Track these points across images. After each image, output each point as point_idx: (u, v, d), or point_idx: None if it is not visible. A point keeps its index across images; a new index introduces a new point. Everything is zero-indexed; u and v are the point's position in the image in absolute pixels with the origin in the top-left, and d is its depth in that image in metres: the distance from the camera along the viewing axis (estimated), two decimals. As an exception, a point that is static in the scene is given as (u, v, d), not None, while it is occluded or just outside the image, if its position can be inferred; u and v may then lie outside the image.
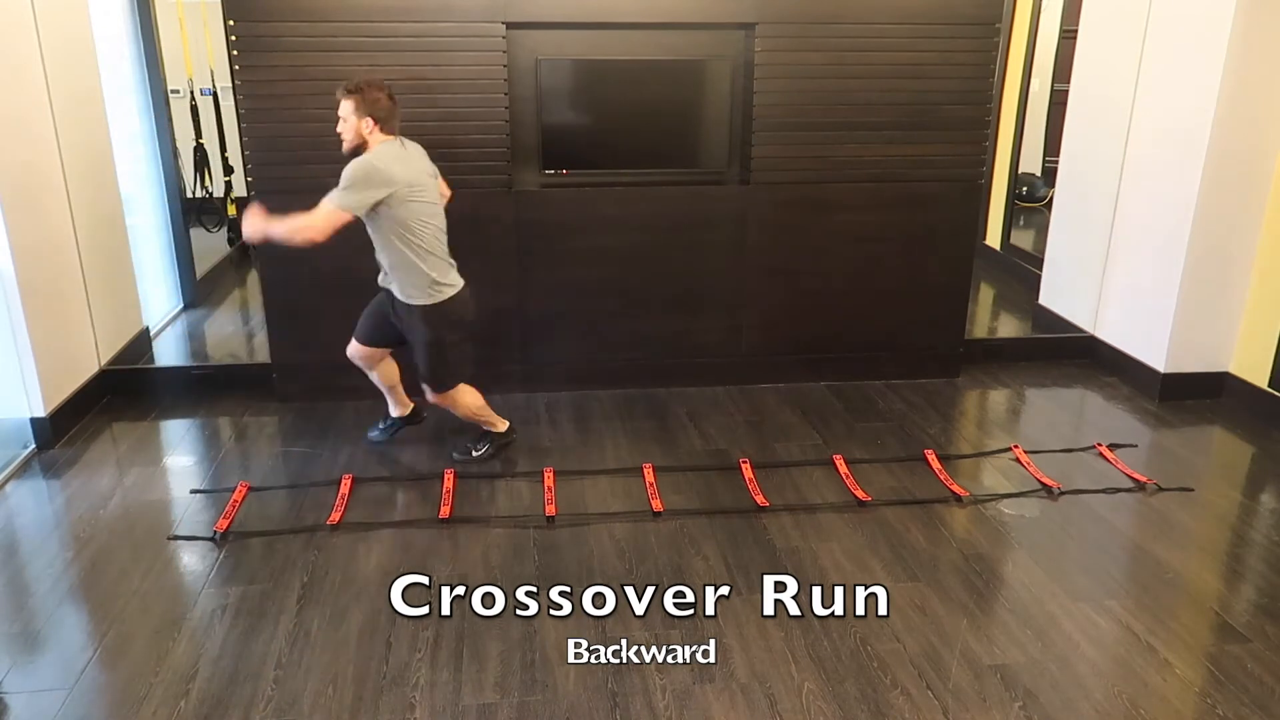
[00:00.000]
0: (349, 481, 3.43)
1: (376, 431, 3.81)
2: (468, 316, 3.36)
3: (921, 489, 3.46)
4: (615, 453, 3.76)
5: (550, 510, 3.26)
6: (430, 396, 3.44)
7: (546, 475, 3.49)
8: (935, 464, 3.61)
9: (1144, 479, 3.50)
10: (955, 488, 3.43)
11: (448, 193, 3.51)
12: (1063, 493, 3.42)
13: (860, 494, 3.38)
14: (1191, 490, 3.45)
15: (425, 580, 2.71)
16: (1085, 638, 2.62)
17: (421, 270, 3.19)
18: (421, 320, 3.27)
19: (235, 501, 3.29)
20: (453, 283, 3.29)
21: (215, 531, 3.11)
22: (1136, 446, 3.82)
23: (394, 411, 3.79)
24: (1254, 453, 3.90)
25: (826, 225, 4.30)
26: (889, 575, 2.91)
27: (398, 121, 3.16)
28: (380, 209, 3.08)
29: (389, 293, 3.36)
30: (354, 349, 3.57)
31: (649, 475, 3.51)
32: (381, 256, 3.26)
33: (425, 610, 2.70)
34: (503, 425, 3.65)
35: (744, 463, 3.59)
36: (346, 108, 3.05)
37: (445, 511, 3.23)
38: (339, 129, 3.12)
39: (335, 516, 3.22)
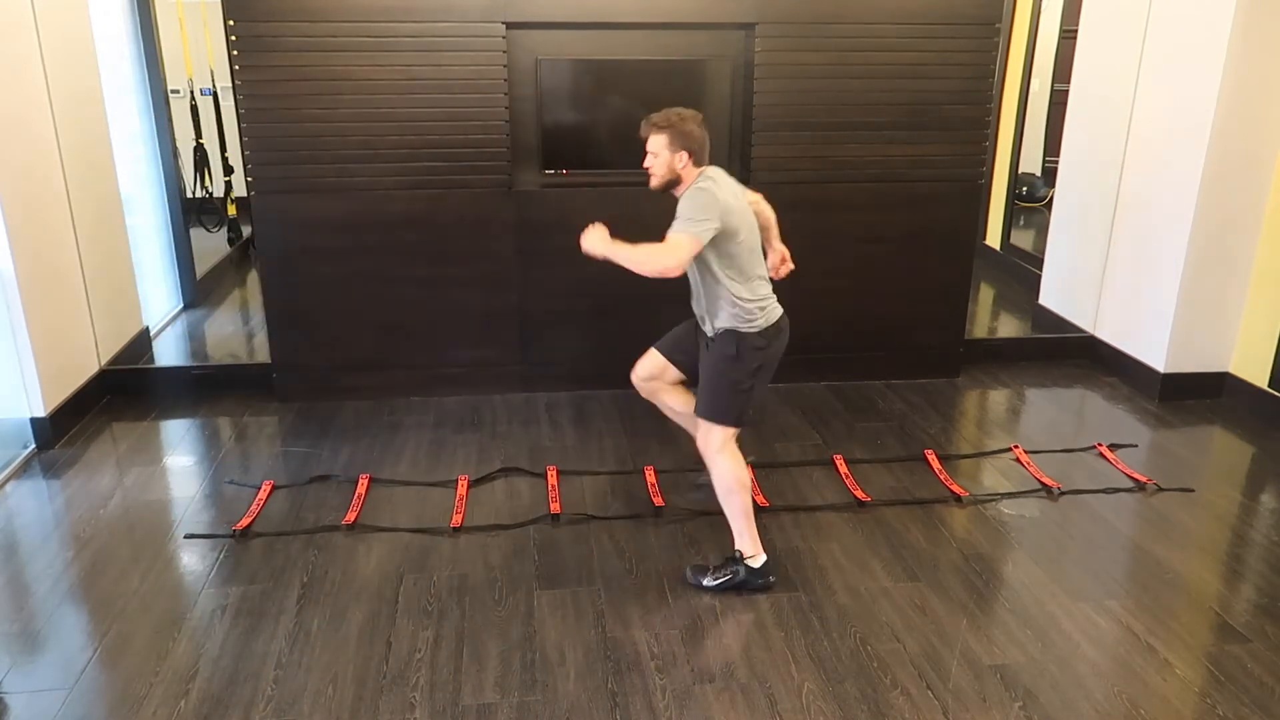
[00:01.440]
0: (366, 481, 3.45)
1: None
2: (775, 350, 2.92)
3: (921, 489, 3.46)
4: (615, 453, 3.76)
5: (555, 508, 3.27)
6: (700, 439, 2.92)
7: (550, 473, 3.50)
8: (935, 464, 3.61)
9: (1144, 479, 3.50)
10: (955, 488, 3.44)
11: (768, 211, 3.17)
12: (1063, 493, 3.42)
13: (860, 494, 3.39)
14: (1192, 490, 3.45)
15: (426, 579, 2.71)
16: (1085, 638, 2.62)
17: (735, 298, 2.85)
18: (724, 345, 2.87)
19: (260, 500, 3.31)
20: (766, 314, 2.91)
21: (233, 530, 3.13)
22: (1136, 446, 3.83)
23: None
24: (1254, 453, 3.90)
25: (826, 225, 4.30)
26: (889, 575, 2.91)
27: (709, 152, 2.89)
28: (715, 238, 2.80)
29: (697, 323, 3.03)
30: (645, 364, 3.15)
31: (650, 475, 3.51)
32: (696, 283, 2.94)
33: (425, 610, 2.71)
34: (759, 557, 2.86)
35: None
36: (658, 143, 2.81)
37: (458, 520, 3.22)
38: (646, 164, 2.87)
39: (351, 516, 3.23)
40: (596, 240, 2.84)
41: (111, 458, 3.73)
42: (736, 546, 2.86)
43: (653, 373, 3.13)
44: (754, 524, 2.87)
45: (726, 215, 2.74)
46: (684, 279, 2.92)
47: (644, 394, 3.19)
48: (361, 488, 3.41)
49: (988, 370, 4.68)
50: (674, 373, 3.12)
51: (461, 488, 3.41)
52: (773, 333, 2.87)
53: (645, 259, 2.75)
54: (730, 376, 2.84)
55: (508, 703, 2.36)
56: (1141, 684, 2.44)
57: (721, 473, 2.82)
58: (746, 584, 2.85)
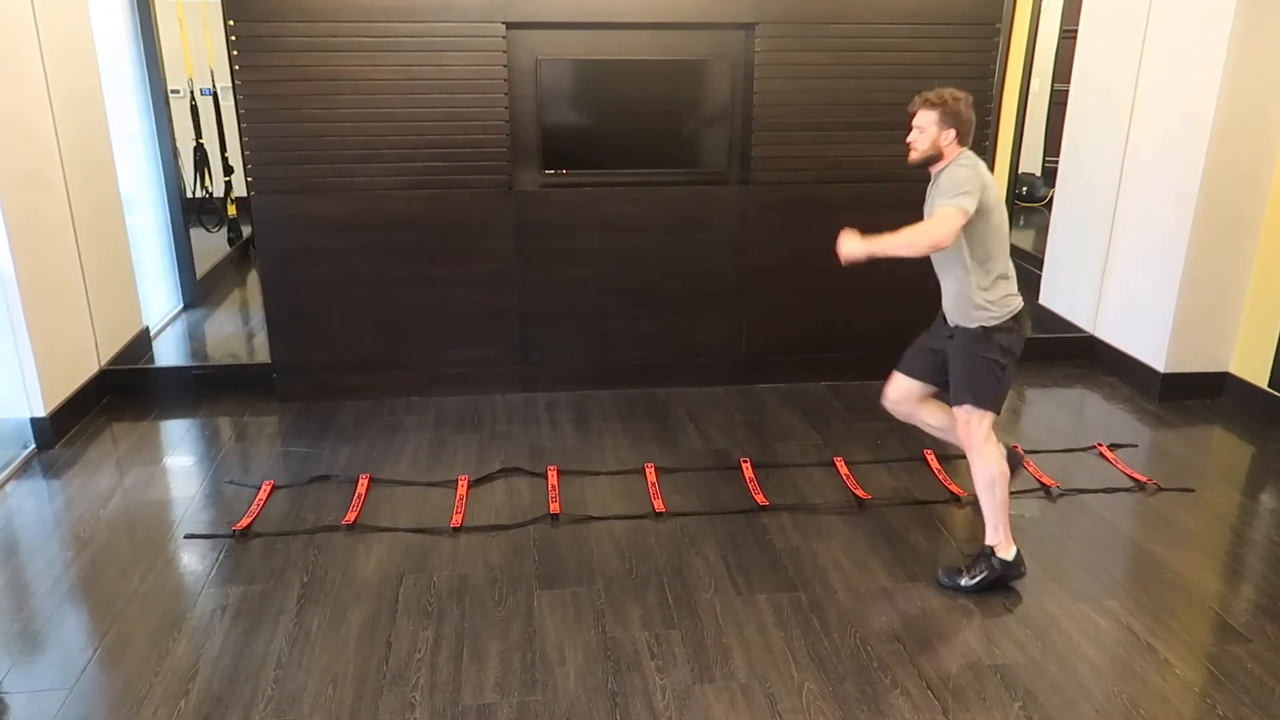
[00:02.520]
0: (366, 481, 3.45)
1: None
2: (1018, 338, 2.92)
3: (921, 489, 3.46)
4: (615, 453, 3.76)
5: (555, 508, 3.27)
6: (960, 428, 2.91)
7: (550, 473, 3.50)
8: (934, 464, 3.61)
9: (1144, 479, 3.50)
10: (955, 488, 3.43)
11: None
12: (1062, 493, 3.42)
13: (861, 493, 3.38)
14: (1192, 490, 3.45)
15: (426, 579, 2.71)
16: (1085, 638, 2.62)
17: (990, 283, 2.89)
18: (979, 338, 2.89)
19: (260, 500, 3.31)
20: (1017, 300, 2.93)
21: (234, 530, 3.13)
22: (1137, 446, 3.83)
23: None
24: (1254, 453, 3.90)
25: (826, 225, 4.25)
26: (889, 575, 2.91)
27: (971, 136, 2.93)
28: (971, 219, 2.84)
29: (942, 319, 3.06)
30: (894, 388, 3.12)
31: (650, 475, 3.51)
32: (946, 270, 3.00)
33: (425, 610, 2.71)
34: (1012, 549, 2.86)
35: (745, 462, 3.60)
36: (928, 118, 2.88)
37: (457, 520, 3.22)
38: (911, 139, 2.93)
39: (351, 516, 3.23)
40: (854, 245, 2.90)
41: (111, 458, 3.73)
42: (988, 542, 2.87)
43: (902, 394, 3.11)
44: (1008, 517, 2.86)
45: (985, 191, 2.80)
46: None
47: (899, 417, 3.17)
48: (361, 488, 3.41)
49: (988, 370, 4.67)
50: (922, 388, 3.10)
51: (462, 488, 3.41)
52: (1013, 324, 2.89)
53: (916, 239, 2.80)
54: (984, 357, 2.85)
55: (508, 703, 2.36)
56: (1141, 684, 2.44)
57: (986, 463, 2.83)
58: (1003, 578, 2.85)
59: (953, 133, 2.87)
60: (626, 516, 3.25)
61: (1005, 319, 2.86)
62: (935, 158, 2.90)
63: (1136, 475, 3.54)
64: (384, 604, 2.75)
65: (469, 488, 3.43)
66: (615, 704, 2.35)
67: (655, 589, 2.83)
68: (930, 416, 3.12)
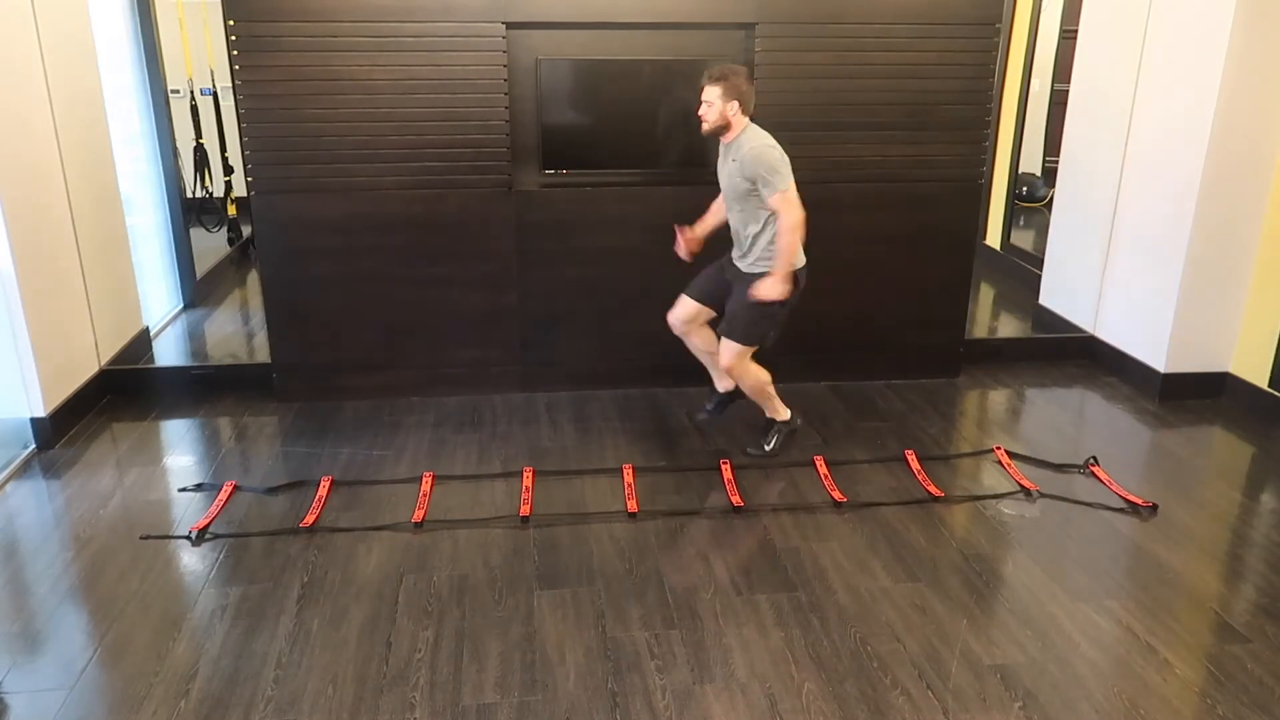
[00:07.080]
0: (328, 483, 3.44)
1: (705, 412, 3.89)
2: (799, 289, 3.46)
3: (920, 489, 3.46)
4: (615, 453, 3.76)
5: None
6: (723, 359, 3.53)
7: (526, 475, 3.48)
8: (915, 464, 3.60)
9: (1138, 500, 3.35)
10: (932, 488, 3.42)
11: None
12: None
13: (837, 495, 3.37)
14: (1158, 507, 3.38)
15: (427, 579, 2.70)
16: (1085, 638, 2.62)
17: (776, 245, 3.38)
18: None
19: (221, 501, 3.30)
20: (802, 257, 3.45)
21: (191, 531, 3.12)
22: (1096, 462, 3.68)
23: (720, 387, 3.88)
24: (1254, 453, 3.90)
25: (826, 225, 4.26)
26: (889, 575, 2.91)
27: (752, 106, 3.36)
28: None
29: (730, 263, 3.55)
30: (681, 309, 3.68)
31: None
32: (743, 229, 3.44)
33: (425, 610, 2.71)
34: (786, 413, 3.72)
35: (725, 463, 3.59)
36: (713, 93, 3.28)
37: (419, 515, 3.22)
38: (701, 112, 3.33)
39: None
40: (776, 285, 3.31)
41: (111, 458, 3.73)
42: (769, 416, 3.71)
43: (690, 316, 3.67)
44: (775, 395, 3.67)
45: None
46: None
47: (678, 333, 3.74)
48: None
49: (988, 370, 4.68)
50: (706, 314, 3.65)
51: (426, 485, 3.41)
52: (800, 275, 3.42)
53: (793, 241, 3.29)
54: (763, 308, 3.39)
55: (508, 703, 2.36)
56: (1141, 684, 2.44)
57: (745, 377, 3.57)
58: (791, 434, 3.74)
59: (736, 104, 3.27)
60: (626, 516, 3.25)
61: (795, 268, 3.39)
62: (724, 128, 3.32)
63: (1130, 497, 3.38)
64: (384, 604, 2.75)
65: (433, 484, 3.43)
66: (615, 704, 2.36)
67: (655, 589, 2.83)
68: (701, 340, 3.73)
